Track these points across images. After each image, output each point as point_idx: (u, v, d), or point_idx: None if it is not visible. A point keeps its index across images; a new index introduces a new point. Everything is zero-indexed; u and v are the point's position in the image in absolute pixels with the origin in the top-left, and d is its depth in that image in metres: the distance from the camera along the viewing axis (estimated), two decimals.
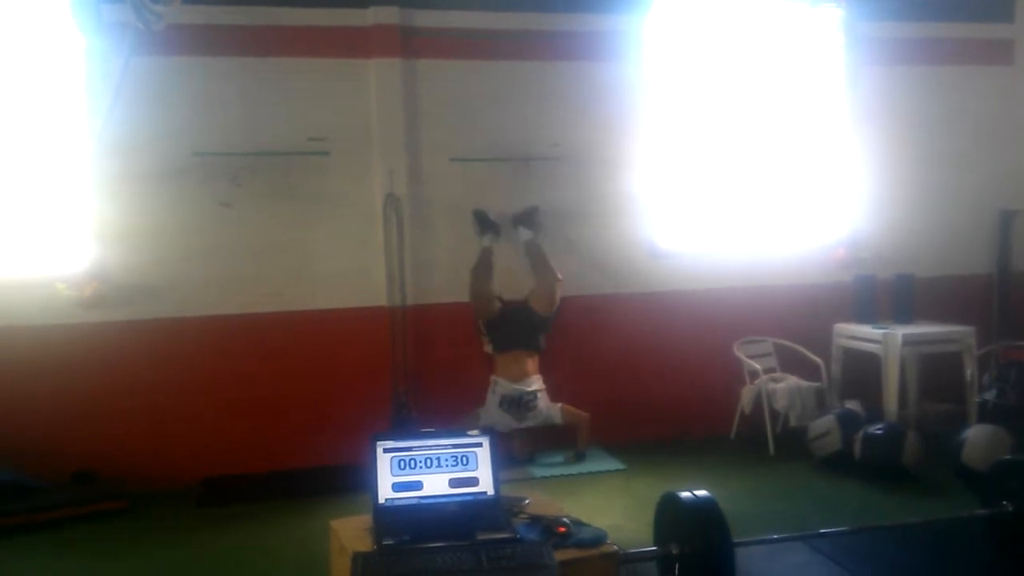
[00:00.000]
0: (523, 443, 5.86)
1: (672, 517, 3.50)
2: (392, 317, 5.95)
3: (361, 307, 5.94)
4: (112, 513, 5.10)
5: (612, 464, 5.83)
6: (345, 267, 5.93)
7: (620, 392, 6.26)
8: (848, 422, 5.63)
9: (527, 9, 6.11)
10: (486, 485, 3.09)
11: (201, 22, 5.60)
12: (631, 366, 6.30)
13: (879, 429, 5.47)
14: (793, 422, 5.96)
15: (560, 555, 2.85)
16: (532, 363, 5.91)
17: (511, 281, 6.07)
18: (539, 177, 6.10)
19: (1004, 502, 4.01)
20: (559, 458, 5.91)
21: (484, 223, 6.01)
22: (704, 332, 6.32)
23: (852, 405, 5.92)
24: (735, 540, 3.35)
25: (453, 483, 3.07)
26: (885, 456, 5.33)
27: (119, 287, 5.57)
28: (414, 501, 3.03)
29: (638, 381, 6.31)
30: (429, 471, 3.07)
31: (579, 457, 5.88)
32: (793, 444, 5.90)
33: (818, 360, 6.19)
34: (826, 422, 5.70)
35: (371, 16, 5.86)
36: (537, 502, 3.38)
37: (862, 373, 6.16)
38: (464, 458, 3.10)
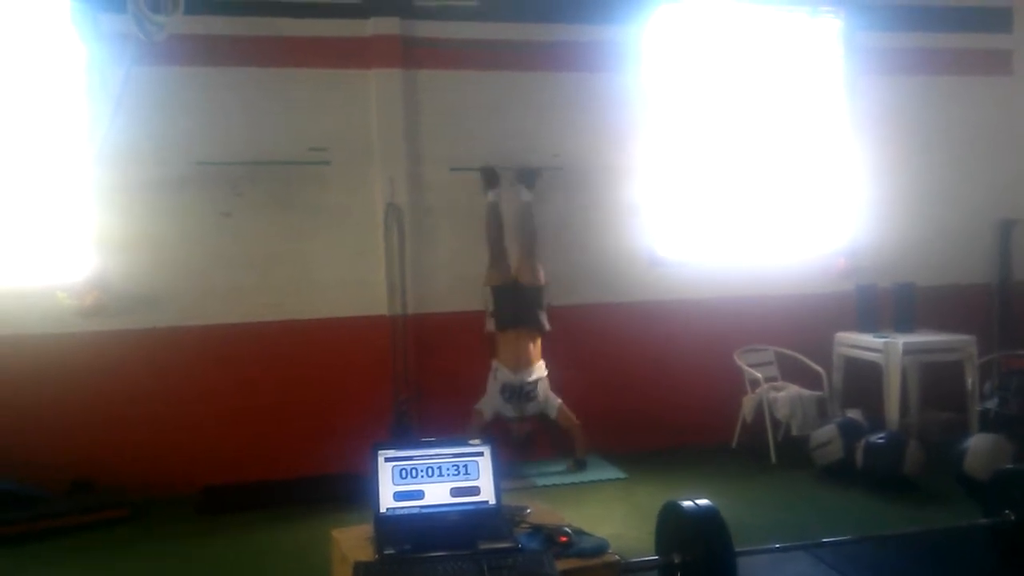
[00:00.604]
0: (521, 425, 5.84)
1: (674, 526, 3.50)
2: (393, 326, 5.95)
3: (362, 316, 5.94)
4: (112, 521, 5.09)
5: (613, 473, 5.82)
6: (346, 276, 5.94)
7: (621, 401, 6.25)
8: (850, 431, 5.62)
9: (527, 20, 6.14)
10: (487, 494, 3.08)
11: (202, 32, 5.62)
12: (632, 375, 6.30)
13: (881, 438, 5.46)
14: (794, 431, 5.95)
15: (561, 564, 2.83)
16: (534, 347, 5.90)
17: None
18: (539, 186, 6.10)
19: (1006, 511, 3.99)
20: (560, 467, 5.90)
21: (491, 178, 6.01)
22: (705, 341, 6.32)
23: (853, 414, 5.91)
24: (737, 549, 3.34)
25: (454, 492, 3.06)
26: (887, 465, 5.32)
27: (120, 296, 5.58)
28: (415, 510, 3.02)
29: (639, 390, 6.31)
30: (430, 480, 3.06)
31: (580, 466, 5.88)
32: (795, 453, 5.90)
33: (819, 369, 6.19)
34: (828, 431, 5.69)
35: (372, 27, 5.88)
36: (538, 511, 3.37)
37: (863, 382, 6.16)
38: (465, 467, 3.09)
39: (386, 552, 2.79)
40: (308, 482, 5.64)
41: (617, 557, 3.07)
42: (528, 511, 3.32)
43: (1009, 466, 4.43)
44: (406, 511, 3.02)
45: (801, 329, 6.42)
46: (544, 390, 5.85)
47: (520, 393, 5.78)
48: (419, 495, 3.04)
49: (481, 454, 3.12)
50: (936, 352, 6.10)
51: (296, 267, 5.88)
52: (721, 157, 6.61)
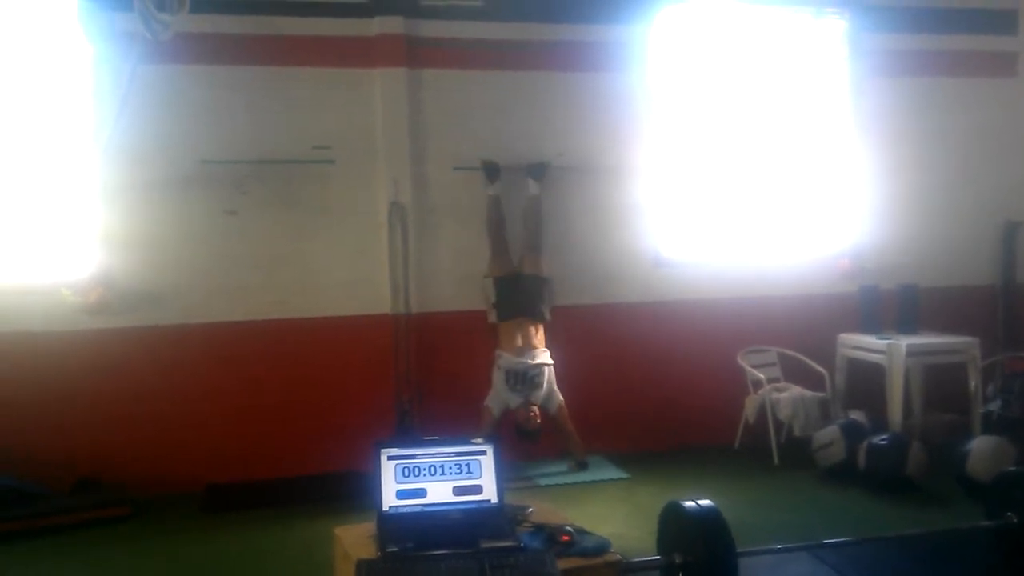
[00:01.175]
0: (531, 415, 5.77)
1: (675, 526, 3.50)
2: (396, 325, 5.96)
3: (365, 315, 5.95)
4: (115, 519, 5.10)
5: (615, 473, 5.83)
6: (349, 275, 5.95)
7: (624, 401, 6.26)
8: (852, 432, 5.63)
9: (532, 20, 6.14)
10: (490, 493, 3.09)
11: (208, 31, 5.62)
12: (634, 375, 6.30)
13: (883, 439, 5.46)
14: (797, 432, 5.95)
15: (563, 564, 2.84)
16: (537, 334, 5.89)
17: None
18: (543, 186, 6.10)
19: (1008, 513, 3.99)
20: (562, 467, 5.90)
21: (493, 172, 6.01)
22: (708, 342, 6.32)
23: (856, 415, 5.91)
24: (739, 550, 3.35)
25: (457, 491, 3.07)
26: (889, 466, 5.31)
27: (124, 294, 5.59)
28: (418, 509, 3.04)
29: (642, 390, 6.31)
30: (433, 479, 3.07)
31: (582, 466, 5.88)
32: (797, 454, 5.90)
33: (822, 370, 6.19)
34: (830, 432, 5.70)
35: (376, 26, 5.89)
36: (540, 510, 3.38)
37: (866, 383, 6.16)
38: (468, 466, 3.10)
39: (388, 550, 2.80)
40: (311, 480, 5.66)
41: (619, 557, 3.07)
42: (530, 510, 3.33)
43: (1012, 468, 4.43)
44: (409, 509, 3.03)
45: (804, 330, 6.42)
46: (550, 381, 5.83)
47: (525, 378, 5.74)
48: (422, 493, 3.05)
49: (484, 453, 3.13)
50: (939, 354, 6.09)
51: (300, 266, 5.89)
52: (725, 158, 6.61)
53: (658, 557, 3.51)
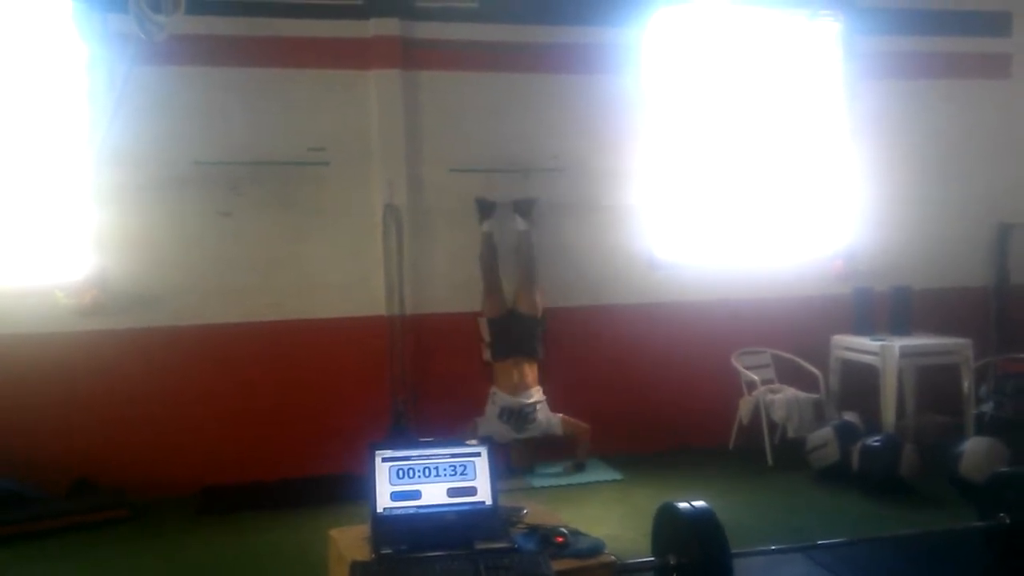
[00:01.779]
0: (521, 453, 5.86)
1: (670, 528, 3.51)
2: (391, 326, 5.96)
3: (360, 316, 5.95)
4: (112, 521, 5.09)
5: (610, 474, 5.83)
6: (344, 277, 5.95)
7: (618, 403, 6.26)
8: (846, 434, 5.64)
9: (527, 22, 6.15)
10: (484, 495, 3.09)
11: (203, 32, 5.62)
12: (629, 377, 6.31)
13: (877, 441, 5.47)
14: (791, 433, 5.96)
15: (558, 565, 2.85)
16: (531, 372, 5.91)
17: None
18: (538, 188, 6.12)
19: (1001, 514, 4.01)
20: (558, 468, 5.91)
21: (486, 209, 6.02)
22: (702, 343, 6.33)
23: (850, 417, 5.92)
24: (733, 551, 3.35)
25: (451, 492, 3.07)
26: (883, 468, 5.33)
27: (118, 296, 5.58)
28: (412, 510, 3.04)
29: (636, 392, 6.32)
30: (427, 480, 3.07)
31: (578, 467, 5.88)
32: (791, 455, 5.91)
33: (816, 372, 6.20)
34: (824, 434, 5.71)
35: (372, 28, 5.89)
36: (535, 512, 3.38)
37: (860, 385, 6.17)
38: (462, 468, 3.11)
39: (383, 552, 2.80)
40: (306, 482, 5.65)
41: (613, 558, 3.08)
42: (525, 511, 3.33)
43: (1004, 469, 4.46)
44: (403, 511, 3.03)
45: (798, 332, 6.44)
46: (544, 412, 5.85)
47: (519, 415, 5.78)
48: (416, 495, 3.05)
49: (478, 455, 3.14)
50: (932, 355, 6.11)
51: (295, 267, 5.89)
52: (720, 160, 6.62)
53: (653, 558, 3.52)
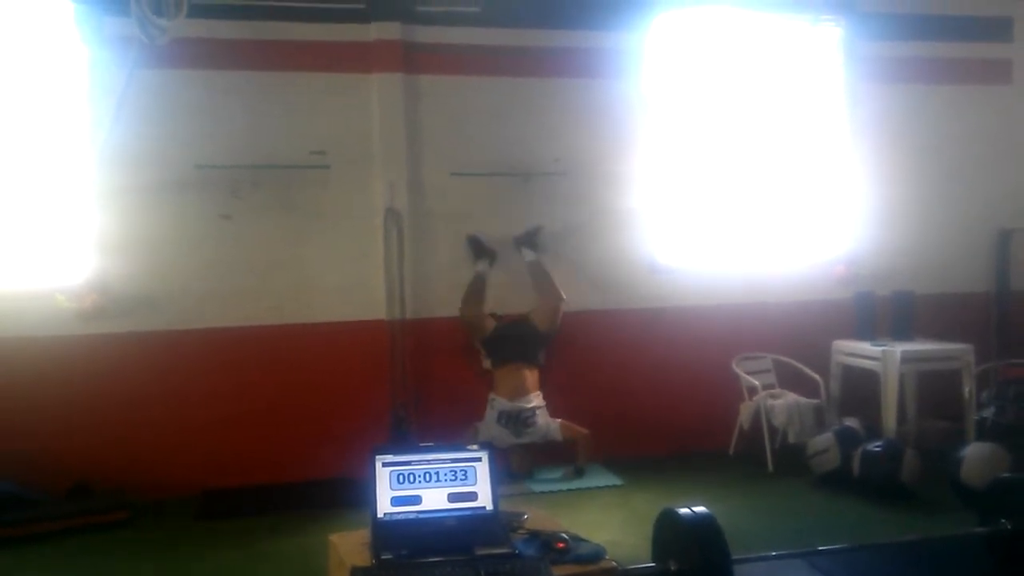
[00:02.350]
0: (521, 458, 5.85)
1: (671, 533, 3.50)
2: (391, 331, 5.95)
3: (360, 320, 5.95)
4: (111, 525, 5.08)
5: (610, 479, 5.83)
6: (345, 280, 5.94)
7: (619, 407, 6.26)
8: (847, 439, 5.63)
9: (529, 26, 6.15)
10: (485, 500, 3.08)
11: (205, 36, 5.63)
12: (630, 381, 6.30)
13: (878, 446, 5.46)
14: (792, 439, 5.95)
15: (558, 571, 2.84)
16: (531, 378, 5.91)
17: (511, 296, 6.09)
18: (539, 192, 6.12)
19: (1002, 520, 4.00)
20: (558, 473, 5.90)
21: (479, 250, 6.04)
22: (703, 348, 6.33)
23: (851, 422, 5.91)
24: (734, 557, 3.34)
25: (452, 498, 3.06)
26: (883, 473, 5.32)
27: (119, 299, 5.58)
28: (413, 515, 3.02)
29: (637, 396, 6.31)
30: (428, 485, 3.06)
31: (578, 473, 5.87)
32: (792, 461, 5.90)
33: (817, 377, 6.19)
34: (825, 439, 5.70)
35: (374, 32, 5.90)
36: (536, 517, 3.38)
37: (861, 390, 6.16)
38: (463, 473, 3.09)
39: (383, 557, 2.79)
40: (306, 486, 5.65)
41: (614, 563, 3.07)
42: (525, 517, 3.32)
43: (1006, 475, 4.43)
44: (403, 516, 3.02)
45: (799, 337, 6.43)
46: (543, 418, 5.84)
47: (518, 419, 5.77)
48: (416, 500, 3.04)
49: (479, 459, 3.12)
50: (934, 360, 6.10)
51: (295, 271, 5.89)
52: (721, 164, 6.62)
53: (653, 564, 3.51)
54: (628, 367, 6.30)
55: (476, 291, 5.99)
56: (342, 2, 5.88)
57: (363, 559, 2.89)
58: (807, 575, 4.16)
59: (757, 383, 6.15)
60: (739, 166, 6.65)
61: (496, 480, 3.12)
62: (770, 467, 5.97)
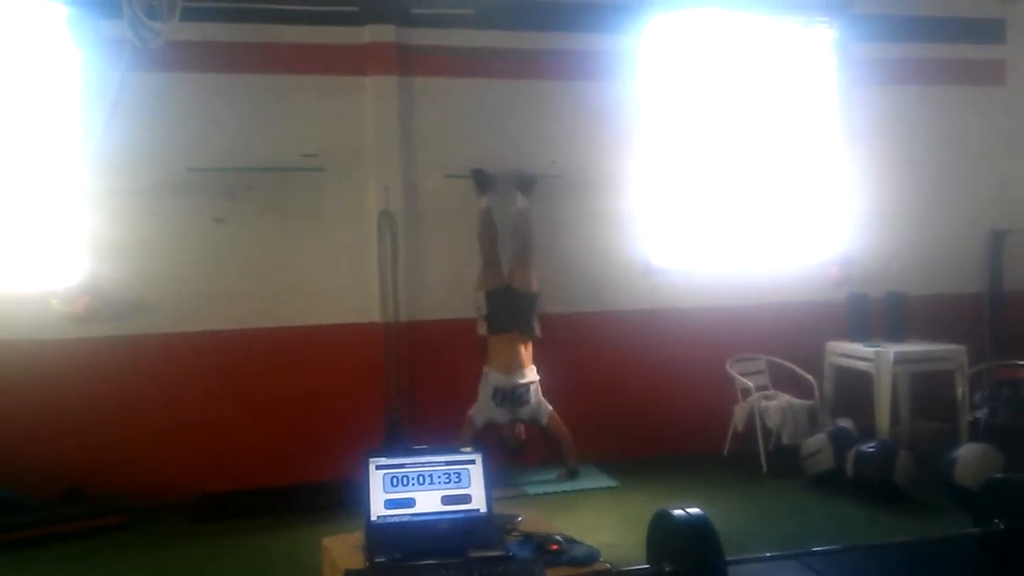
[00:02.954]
0: (516, 432, 5.82)
1: (665, 535, 3.50)
2: (386, 333, 5.95)
3: (354, 323, 5.94)
4: (106, 528, 5.08)
5: (604, 481, 5.83)
6: (339, 283, 5.94)
7: (613, 409, 6.26)
8: (840, 440, 5.64)
9: (523, 28, 6.16)
10: (478, 502, 3.09)
11: (198, 39, 5.62)
12: (624, 383, 6.31)
13: (871, 447, 5.47)
14: (785, 440, 5.96)
15: (552, 573, 2.84)
16: (526, 351, 5.88)
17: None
18: (532, 199, 6.10)
19: (995, 520, 4.00)
20: (552, 475, 5.90)
21: (483, 183, 6.01)
22: (697, 349, 6.33)
23: (844, 423, 5.93)
24: (728, 558, 3.35)
25: (445, 500, 3.07)
26: (877, 474, 5.33)
27: (112, 302, 5.57)
28: (406, 518, 3.03)
29: (631, 398, 6.32)
30: (422, 488, 3.07)
31: (571, 475, 5.88)
32: (785, 462, 5.91)
33: (810, 378, 6.20)
34: (818, 440, 5.71)
35: (368, 34, 5.90)
36: (529, 519, 3.37)
37: (854, 391, 6.18)
38: (457, 475, 3.10)
39: (377, 560, 2.80)
40: (299, 489, 5.64)
41: (608, 565, 3.07)
42: (519, 519, 3.32)
43: (999, 475, 4.45)
44: (397, 519, 3.02)
45: (792, 338, 6.44)
46: (536, 394, 5.83)
47: (512, 396, 5.76)
48: (410, 503, 3.05)
49: (472, 462, 3.13)
50: (927, 361, 6.11)
51: (289, 273, 5.88)
52: (715, 166, 6.63)
53: (647, 566, 3.51)
54: (622, 368, 6.30)
55: (488, 225, 5.97)
56: (336, 5, 5.88)
57: (357, 562, 2.89)
58: None
59: (751, 384, 6.16)
60: (733, 168, 6.66)
61: (490, 483, 3.12)
62: (764, 468, 5.98)
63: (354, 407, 5.86)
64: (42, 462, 5.35)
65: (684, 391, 6.34)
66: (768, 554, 4.04)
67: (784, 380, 6.33)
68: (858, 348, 6.14)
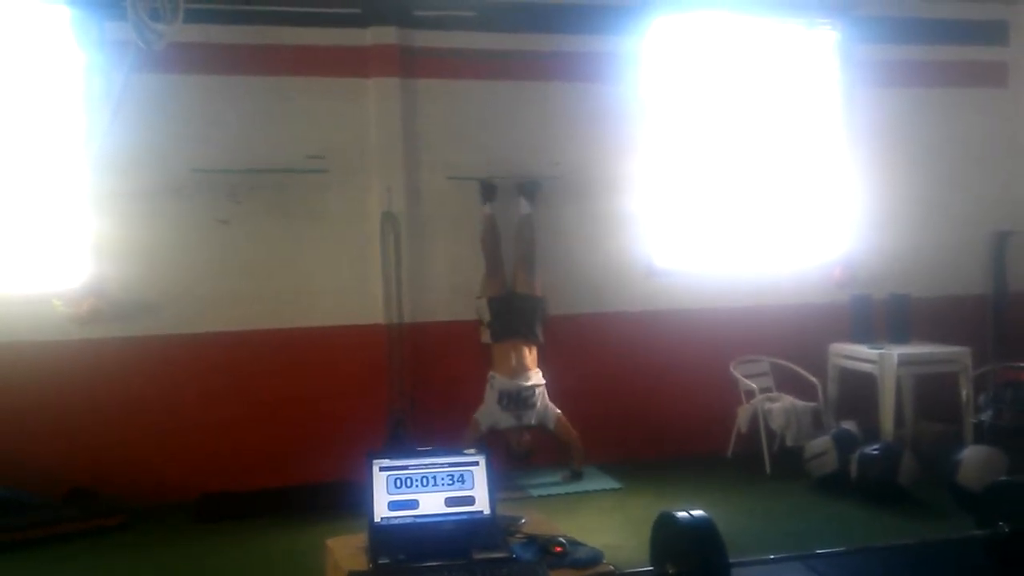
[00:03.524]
0: (521, 436, 5.80)
1: (668, 537, 3.49)
2: (389, 335, 5.95)
3: (358, 325, 5.94)
4: (109, 529, 5.08)
5: (608, 483, 5.82)
6: (342, 284, 5.94)
7: (617, 411, 6.26)
8: (844, 442, 5.63)
9: (525, 30, 6.16)
10: (482, 504, 3.09)
11: (201, 41, 5.62)
12: (628, 385, 6.30)
13: (875, 449, 5.46)
14: (789, 442, 5.95)
15: (556, 575, 2.84)
16: (530, 355, 5.87)
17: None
18: (536, 205, 6.10)
19: (1000, 523, 3.99)
20: (555, 477, 5.89)
21: (489, 192, 6.01)
22: (701, 351, 6.33)
23: (848, 425, 5.91)
24: (731, 560, 3.34)
25: (449, 502, 3.07)
26: (881, 476, 5.32)
27: (115, 303, 5.57)
28: (410, 520, 3.03)
29: (635, 400, 6.31)
30: (425, 490, 3.07)
31: (575, 476, 5.87)
32: (789, 464, 5.90)
33: (814, 380, 6.19)
34: (822, 442, 5.70)
35: (371, 36, 5.90)
36: (533, 521, 3.38)
37: (858, 393, 6.16)
38: (460, 477, 3.10)
39: (380, 562, 2.80)
40: (303, 490, 5.64)
41: (612, 567, 3.07)
42: (523, 521, 3.32)
43: (1003, 478, 4.44)
44: (401, 521, 3.02)
45: (796, 340, 6.43)
46: (543, 398, 5.82)
47: (518, 399, 5.74)
48: (414, 505, 3.05)
49: (476, 464, 3.13)
50: (931, 363, 6.10)
51: (293, 275, 5.88)
52: (718, 168, 6.62)
53: (651, 568, 3.50)
54: (625, 370, 6.30)
55: (492, 231, 5.98)
56: (338, 7, 5.89)
57: (360, 563, 2.89)
58: None
59: (755, 386, 6.15)
60: (736, 169, 6.65)
61: (494, 484, 3.12)
62: (768, 470, 5.97)
63: (357, 408, 5.86)
64: (45, 462, 5.35)
65: (687, 393, 6.34)
66: (772, 556, 4.02)
67: (788, 382, 6.32)
68: (862, 350, 6.13)
